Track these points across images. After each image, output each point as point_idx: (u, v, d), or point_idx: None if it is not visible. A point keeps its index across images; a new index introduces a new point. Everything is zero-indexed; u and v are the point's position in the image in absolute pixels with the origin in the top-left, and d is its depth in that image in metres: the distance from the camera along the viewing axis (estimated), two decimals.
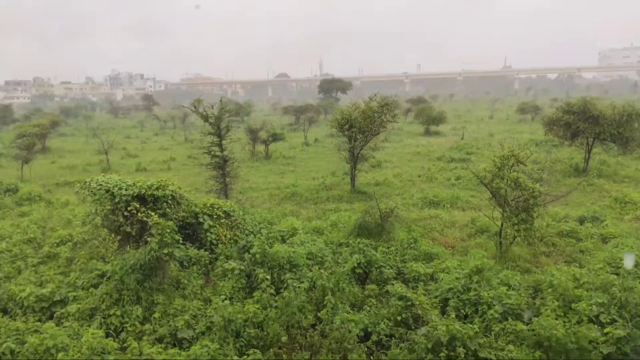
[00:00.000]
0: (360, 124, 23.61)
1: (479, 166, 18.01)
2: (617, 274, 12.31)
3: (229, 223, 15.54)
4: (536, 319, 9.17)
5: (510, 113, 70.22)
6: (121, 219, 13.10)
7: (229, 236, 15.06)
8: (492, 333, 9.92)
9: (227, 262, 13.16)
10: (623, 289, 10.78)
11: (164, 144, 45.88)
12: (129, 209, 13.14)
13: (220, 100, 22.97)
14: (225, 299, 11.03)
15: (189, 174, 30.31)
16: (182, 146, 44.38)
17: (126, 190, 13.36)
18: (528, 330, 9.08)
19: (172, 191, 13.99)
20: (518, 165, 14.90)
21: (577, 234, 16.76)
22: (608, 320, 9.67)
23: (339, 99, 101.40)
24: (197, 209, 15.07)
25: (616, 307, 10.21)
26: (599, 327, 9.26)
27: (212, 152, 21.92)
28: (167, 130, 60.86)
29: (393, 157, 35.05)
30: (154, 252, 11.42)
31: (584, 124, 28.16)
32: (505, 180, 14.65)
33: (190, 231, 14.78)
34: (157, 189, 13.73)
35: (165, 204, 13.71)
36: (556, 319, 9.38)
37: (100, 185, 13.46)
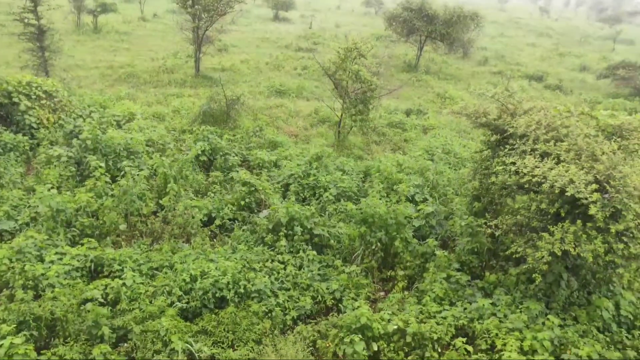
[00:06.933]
0: (205, 0, 21.81)
1: (324, 57, 18.31)
2: (432, 160, 14.34)
3: (52, 105, 13.76)
4: (363, 199, 10.32)
5: (356, 5, 71.12)
6: None
7: (52, 120, 13.42)
8: (327, 213, 10.98)
9: (51, 148, 11.86)
10: (435, 173, 12.69)
11: None
12: None
13: None
14: (52, 187, 10.08)
15: None
16: None
17: None
18: (356, 209, 10.22)
19: None
20: (360, 59, 15.56)
21: (403, 125, 18.67)
22: (421, 199, 11.46)
23: None
24: (9, 87, 12.96)
25: (428, 188, 12.06)
26: (414, 205, 10.87)
27: (26, 20, 18.49)
28: None
29: (241, 42, 33.61)
30: None
31: (419, 22, 30.05)
32: (347, 73, 15.28)
33: (3, 113, 12.80)
34: None
35: None
36: (380, 199, 10.68)
37: None
